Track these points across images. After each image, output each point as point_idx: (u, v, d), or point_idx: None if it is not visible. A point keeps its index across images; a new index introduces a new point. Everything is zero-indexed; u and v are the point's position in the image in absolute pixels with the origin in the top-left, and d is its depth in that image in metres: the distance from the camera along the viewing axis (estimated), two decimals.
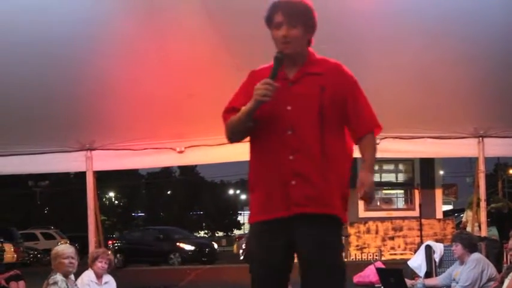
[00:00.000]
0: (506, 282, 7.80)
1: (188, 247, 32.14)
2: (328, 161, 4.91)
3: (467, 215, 18.00)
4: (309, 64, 5.12)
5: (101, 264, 9.53)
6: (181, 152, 13.07)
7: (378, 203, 21.11)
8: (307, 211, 4.75)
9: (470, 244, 9.29)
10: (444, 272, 10.01)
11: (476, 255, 9.21)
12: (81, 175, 14.00)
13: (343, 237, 20.35)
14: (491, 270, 9.06)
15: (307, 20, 5.09)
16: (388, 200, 21.17)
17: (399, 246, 18.48)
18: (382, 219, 19.17)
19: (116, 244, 31.15)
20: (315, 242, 4.74)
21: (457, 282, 9.12)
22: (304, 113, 4.90)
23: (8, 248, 28.00)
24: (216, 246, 34.07)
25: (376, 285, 9.82)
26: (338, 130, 5.02)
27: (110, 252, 10.43)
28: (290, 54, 5.01)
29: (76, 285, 8.67)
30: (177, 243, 32.30)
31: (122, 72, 10.57)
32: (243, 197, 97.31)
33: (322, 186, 4.83)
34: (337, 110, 4.99)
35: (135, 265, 27.43)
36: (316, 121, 4.89)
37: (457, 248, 9.27)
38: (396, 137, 12.94)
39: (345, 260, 18.44)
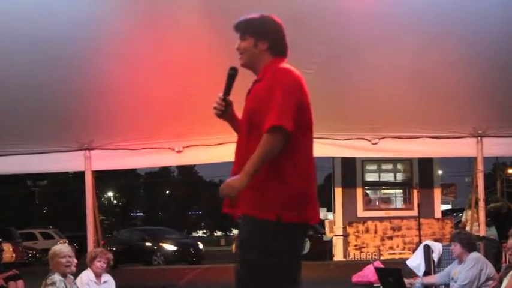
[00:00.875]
0: (505, 281, 7.80)
1: (171, 247, 32.19)
2: (246, 162, 4.85)
3: (467, 215, 18.01)
4: (260, 73, 5.15)
5: (99, 264, 9.53)
6: (179, 151, 13.08)
7: (377, 203, 21.09)
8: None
9: (469, 243, 9.30)
10: (443, 271, 10.02)
11: (474, 255, 9.21)
12: (80, 175, 14.00)
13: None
14: (489, 269, 9.07)
15: (255, 29, 5.19)
16: (386, 200, 21.17)
17: (398, 246, 18.49)
18: (381, 219, 19.17)
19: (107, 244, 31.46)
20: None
21: (456, 281, 9.13)
22: (243, 121, 5.09)
23: (7, 247, 27.97)
24: (201, 246, 34.05)
25: (375, 285, 9.83)
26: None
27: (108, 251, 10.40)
28: (244, 64, 5.20)
29: (75, 284, 8.67)
30: (160, 244, 32.41)
31: (120, 72, 10.57)
32: None
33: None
34: (261, 113, 4.89)
35: (124, 265, 27.41)
36: (245, 127, 5.02)
37: (456, 248, 9.28)
38: (395, 137, 12.96)
39: (344, 259, 18.49)
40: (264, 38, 5.18)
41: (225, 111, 5.17)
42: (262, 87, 4.98)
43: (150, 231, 36.69)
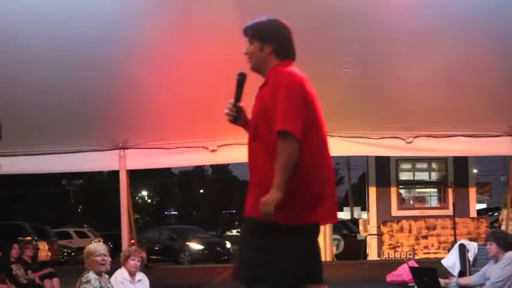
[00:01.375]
0: None
1: (197, 246, 32.27)
2: (252, 168, 5.07)
3: (503, 214, 17.86)
4: (266, 76, 5.21)
5: (133, 262, 9.56)
6: (213, 150, 13.10)
7: (411, 202, 20.99)
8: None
9: (505, 243, 9.21)
10: (478, 271, 9.94)
11: (511, 254, 9.13)
12: (115, 174, 14.08)
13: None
14: None
15: (261, 33, 5.28)
16: (421, 199, 21.04)
17: (433, 245, 18.37)
18: (416, 218, 19.06)
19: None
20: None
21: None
22: (250, 126, 5.19)
23: (42, 246, 28.23)
24: (229, 245, 34.08)
25: (410, 284, 9.78)
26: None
27: (142, 250, 10.45)
28: (252, 68, 5.34)
29: (110, 282, 8.71)
30: (187, 243, 32.52)
31: (153, 73, 10.62)
32: None
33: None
34: (265, 117, 4.98)
35: (154, 264, 27.49)
36: (251, 133, 5.14)
37: (492, 247, 9.20)
38: (429, 136, 12.89)
39: (378, 258, 18.41)
40: (269, 41, 5.23)
41: (237, 117, 5.32)
42: (266, 92, 5.05)
43: (178, 230, 36.80)
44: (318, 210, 4.89)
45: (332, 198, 5.00)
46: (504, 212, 16.22)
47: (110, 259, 8.54)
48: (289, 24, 5.37)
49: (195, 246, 32.39)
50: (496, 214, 21.99)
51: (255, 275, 4.87)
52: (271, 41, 5.23)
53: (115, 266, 9.59)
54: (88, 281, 8.16)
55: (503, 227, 16.83)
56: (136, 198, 75.56)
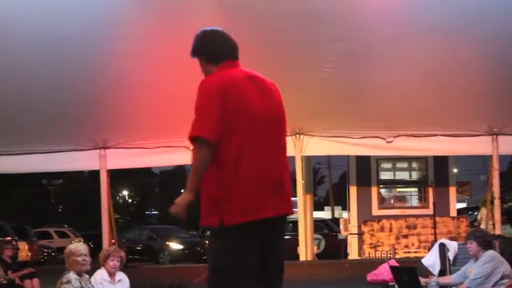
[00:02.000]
0: None
1: (177, 246, 32.36)
2: None
3: (482, 213, 17.95)
4: None
5: (112, 263, 9.53)
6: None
7: (392, 201, 21.02)
8: None
9: (485, 242, 9.25)
10: (458, 270, 9.98)
11: (490, 253, 9.17)
12: (95, 174, 14.05)
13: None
14: (505, 267, 9.02)
15: (194, 49, 5.52)
16: (401, 198, 21.03)
17: (413, 245, 18.36)
18: (396, 217, 19.02)
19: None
20: None
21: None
22: None
23: (23, 246, 28.13)
24: None
25: (390, 284, 9.79)
26: None
27: (122, 249, 10.43)
28: None
29: (90, 283, 8.69)
30: (167, 243, 32.48)
31: (135, 71, 10.60)
32: None
33: None
34: None
35: (134, 263, 27.41)
36: None
37: (472, 246, 9.23)
38: (410, 135, 12.96)
39: (359, 257, 18.43)
40: (201, 53, 5.41)
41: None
42: None
43: (158, 230, 36.82)
44: (260, 205, 4.88)
45: (271, 191, 4.93)
46: (483, 211, 16.33)
47: (90, 259, 8.53)
48: (217, 28, 5.47)
49: (175, 246, 32.39)
50: (476, 213, 22.09)
51: (213, 279, 5.04)
52: (202, 51, 5.39)
53: (95, 266, 9.56)
54: (68, 281, 8.14)
55: (482, 226, 16.93)
56: (117, 198, 75.27)
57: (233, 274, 4.87)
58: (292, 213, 5.12)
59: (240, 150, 4.90)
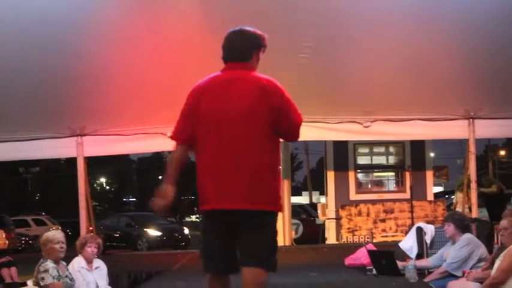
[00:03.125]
0: (497, 263, 7.81)
1: (155, 233, 32.32)
2: None
3: (457, 197, 18.03)
4: None
5: (90, 249, 9.51)
6: (171, 137, 13.04)
7: (369, 186, 21.12)
8: None
9: (463, 225, 9.29)
10: (436, 253, 10.03)
11: (467, 236, 9.21)
12: (72, 161, 13.99)
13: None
14: (481, 251, 9.07)
15: None
16: (379, 183, 21.14)
17: (390, 229, 18.47)
18: (374, 202, 19.13)
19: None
20: None
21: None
22: None
23: (0, 234, 27.98)
24: (187, 231, 34.18)
25: (368, 268, 9.83)
26: None
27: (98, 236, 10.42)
28: None
29: (68, 270, 8.67)
30: (145, 229, 32.50)
31: (112, 57, 10.55)
32: None
33: None
34: None
35: (112, 250, 27.39)
36: None
37: (449, 228, 9.27)
38: (386, 120, 12.99)
39: (337, 242, 18.51)
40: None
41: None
42: None
43: (136, 217, 36.68)
44: (212, 197, 5.37)
45: (216, 186, 5.35)
46: (459, 195, 16.40)
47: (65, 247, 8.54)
48: (232, 29, 5.67)
49: (153, 232, 32.36)
50: (452, 197, 22.20)
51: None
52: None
53: (72, 253, 9.54)
54: (46, 270, 8.12)
55: (458, 210, 17.01)
56: (95, 185, 75.16)
57: (201, 246, 5.58)
58: (254, 208, 5.29)
59: (200, 152, 5.48)
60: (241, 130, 5.30)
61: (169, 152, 5.79)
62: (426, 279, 9.22)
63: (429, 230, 10.82)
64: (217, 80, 5.47)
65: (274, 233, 5.49)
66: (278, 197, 5.51)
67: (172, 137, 5.68)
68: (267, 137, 5.37)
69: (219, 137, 5.32)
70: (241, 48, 5.52)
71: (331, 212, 20.16)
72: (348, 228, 18.76)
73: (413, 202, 16.37)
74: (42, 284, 8.06)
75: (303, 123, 5.65)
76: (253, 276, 5.27)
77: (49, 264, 8.18)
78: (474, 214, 12.73)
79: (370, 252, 9.94)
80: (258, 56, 5.60)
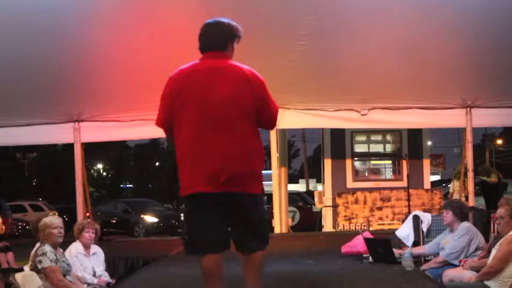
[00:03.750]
0: (493, 251, 7.85)
1: (152, 219, 32.40)
2: None
3: (453, 185, 18.06)
4: None
5: (88, 235, 9.55)
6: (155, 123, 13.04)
7: (366, 174, 21.10)
8: None
9: (461, 213, 9.30)
10: (431, 241, 10.06)
11: (465, 224, 9.23)
12: (69, 147, 13.99)
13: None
14: (479, 239, 9.10)
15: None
16: (376, 171, 21.11)
17: (387, 217, 18.46)
18: (370, 190, 19.11)
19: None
20: None
21: (445, 250, 9.15)
22: None
23: None
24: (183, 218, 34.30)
25: (364, 255, 9.84)
26: None
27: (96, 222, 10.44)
28: None
29: (64, 256, 8.68)
30: (142, 216, 32.48)
31: (109, 43, 10.52)
32: None
33: None
34: None
35: (109, 237, 27.38)
36: None
37: (448, 216, 9.28)
38: (384, 108, 12.99)
39: (333, 230, 18.52)
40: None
41: None
42: None
43: (133, 203, 36.72)
44: (189, 184, 5.58)
45: (193, 171, 5.55)
46: (455, 183, 16.42)
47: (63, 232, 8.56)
48: (210, 20, 5.93)
49: (150, 219, 32.39)
50: (449, 186, 22.22)
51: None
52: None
53: (70, 239, 9.55)
54: (44, 254, 8.14)
55: (455, 197, 17.05)
56: (92, 171, 75.19)
57: (187, 230, 5.71)
58: (240, 190, 5.52)
59: (182, 139, 5.66)
60: (226, 116, 5.52)
61: (166, 139, 6.00)
62: (423, 267, 9.25)
63: (426, 218, 10.85)
64: (200, 67, 5.70)
65: (263, 213, 5.76)
66: (261, 180, 5.75)
67: (156, 123, 5.98)
68: (251, 123, 5.63)
69: (203, 123, 5.51)
70: (220, 39, 5.77)
71: (327, 199, 20.15)
72: (345, 216, 18.75)
73: (410, 190, 16.41)
74: (39, 267, 8.08)
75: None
76: (252, 260, 5.59)
77: (47, 247, 8.20)
78: (471, 203, 12.75)
79: (366, 240, 9.96)
80: (233, 46, 5.84)
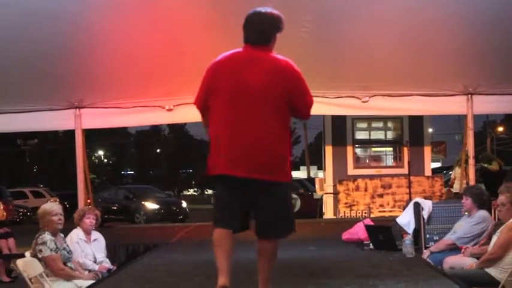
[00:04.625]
0: (494, 238, 7.84)
1: (153, 206, 32.33)
2: None
3: (455, 172, 18.07)
4: None
5: (88, 221, 9.56)
6: (170, 110, 13.06)
7: (367, 161, 21.12)
8: None
9: (481, 200, 9.22)
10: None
11: (483, 213, 9.14)
12: (70, 133, 13.99)
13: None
14: (491, 229, 9.04)
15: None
16: (377, 158, 21.14)
17: (388, 204, 18.50)
18: (371, 177, 19.15)
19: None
20: None
21: (455, 233, 9.11)
22: None
23: None
24: (184, 205, 34.28)
25: (365, 242, 9.87)
26: None
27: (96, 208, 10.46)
28: None
29: (65, 242, 8.69)
30: (143, 202, 32.52)
31: (111, 30, 10.50)
32: None
33: None
34: None
35: (110, 223, 27.44)
36: None
37: (467, 202, 9.21)
38: (385, 95, 12.98)
39: (334, 217, 18.54)
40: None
41: None
42: None
43: (134, 190, 36.66)
44: (217, 165, 5.75)
45: (221, 153, 5.72)
46: (457, 170, 16.42)
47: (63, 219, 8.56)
48: (253, 10, 5.90)
49: (151, 205, 32.38)
50: (450, 173, 22.23)
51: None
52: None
53: (71, 226, 9.56)
54: (44, 243, 8.14)
55: (455, 185, 17.06)
56: (93, 157, 75.24)
57: (214, 206, 5.96)
58: (265, 178, 5.66)
59: (213, 125, 5.84)
60: (257, 105, 5.64)
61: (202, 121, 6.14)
62: (431, 249, 9.24)
63: (426, 205, 10.84)
64: (238, 57, 5.79)
65: (289, 203, 6.01)
66: (289, 169, 5.92)
67: (194, 103, 6.05)
68: (280, 112, 5.71)
69: (233, 111, 5.66)
70: (263, 34, 5.83)
71: (329, 186, 20.18)
72: (346, 203, 18.80)
73: (411, 177, 16.41)
74: (39, 256, 8.08)
75: None
76: (269, 247, 5.75)
77: (47, 236, 8.19)
78: None
79: (367, 227, 9.97)
80: (275, 38, 5.93)
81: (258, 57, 5.77)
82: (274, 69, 5.74)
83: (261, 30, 5.82)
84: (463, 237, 8.94)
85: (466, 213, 9.35)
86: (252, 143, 5.64)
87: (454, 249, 8.92)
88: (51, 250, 8.11)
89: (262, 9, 5.87)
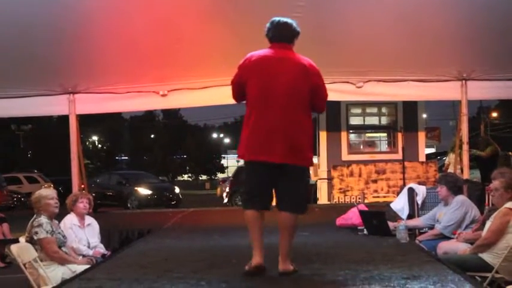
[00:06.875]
0: (488, 223, 7.86)
1: (146, 191, 32.47)
2: None
3: (450, 158, 18.08)
4: None
5: (82, 205, 9.57)
6: (164, 95, 13.04)
7: (361, 146, 21.12)
8: None
9: (455, 186, 9.32)
10: (426, 213, 10.08)
11: (460, 197, 9.24)
12: (64, 119, 13.96)
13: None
14: (474, 212, 9.11)
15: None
16: (371, 143, 21.13)
17: (382, 189, 18.52)
18: (366, 162, 19.15)
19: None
20: None
21: (440, 223, 9.17)
22: None
23: None
24: (177, 190, 34.35)
25: (359, 228, 9.87)
26: None
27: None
28: None
29: (60, 227, 8.70)
30: (135, 188, 32.54)
31: (106, 14, 10.48)
32: (227, 140, 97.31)
33: None
34: None
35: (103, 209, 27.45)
36: None
37: (442, 190, 9.30)
38: (379, 80, 12.98)
39: (328, 202, 18.55)
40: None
41: None
42: None
43: (127, 175, 36.69)
44: (250, 152, 6.53)
45: (255, 145, 6.49)
46: (451, 156, 16.43)
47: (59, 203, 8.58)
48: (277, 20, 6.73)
49: (143, 191, 32.44)
50: (444, 158, 22.26)
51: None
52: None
53: (64, 211, 9.55)
54: (40, 225, 8.15)
55: (450, 171, 17.06)
56: (87, 143, 75.21)
57: (244, 189, 6.90)
58: (291, 162, 6.44)
59: (247, 115, 6.56)
60: (286, 101, 6.44)
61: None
62: (419, 239, 9.28)
63: (421, 191, 10.87)
64: (268, 57, 6.59)
65: (306, 184, 6.97)
66: (311, 156, 6.73)
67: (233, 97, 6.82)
68: (305, 105, 6.60)
69: (266, 106, 6.43)
70: (290, 34, 6.78)
71: (323, 172, 20.18)
72: (340, 189, 18.82)
73: (405, 163, 16.43)
74: (35, 238, 8.09)
75: None
76: (290, 219, 6.53)
77: (43, 219, 8.21)
78: (465, 175, 12.76)
79: (361, 212, 9.98)
80: (294, 42, 6.83)
81: (286, 57, 6.61)
82: (300, 67, 6.59)
83: (288, 32, 6.76)
84: (447, 225, 9.01)
85: (442, 201, 9.42)
86: (282, 133, 6.39)
87: (443, 237, 8.97)
88: (47, 232, 8.12)
89: (287, 19, 6.80)
